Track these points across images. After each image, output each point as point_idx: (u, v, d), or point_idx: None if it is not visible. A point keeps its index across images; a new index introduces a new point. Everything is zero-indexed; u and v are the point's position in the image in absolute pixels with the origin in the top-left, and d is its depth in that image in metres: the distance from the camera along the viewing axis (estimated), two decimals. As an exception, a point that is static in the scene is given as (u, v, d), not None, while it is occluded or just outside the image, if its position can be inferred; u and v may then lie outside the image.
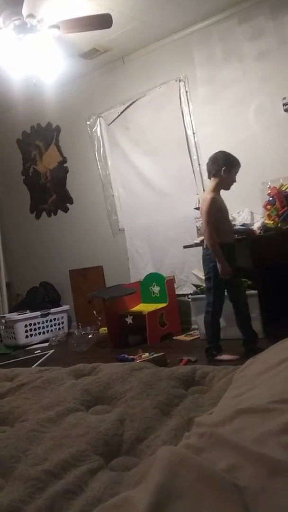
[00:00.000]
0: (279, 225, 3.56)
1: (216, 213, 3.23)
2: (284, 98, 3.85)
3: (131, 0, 3.72)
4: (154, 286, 4.66)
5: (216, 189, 3.30)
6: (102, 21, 3.54)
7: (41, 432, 1.37)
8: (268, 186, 3.75)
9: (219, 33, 4.21)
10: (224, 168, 3.24)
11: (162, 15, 4.04)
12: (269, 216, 3.63)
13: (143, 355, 3.56)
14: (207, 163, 3.38)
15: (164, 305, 4.41)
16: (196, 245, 4.17)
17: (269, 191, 3.70)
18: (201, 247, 4.27)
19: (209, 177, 3.37)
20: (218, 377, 1.64)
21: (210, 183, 3.35)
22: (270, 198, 3.65)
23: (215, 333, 3.36)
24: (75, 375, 1.97)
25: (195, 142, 4.47)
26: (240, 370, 1.48)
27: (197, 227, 4.23)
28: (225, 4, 4.03)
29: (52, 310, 5.38)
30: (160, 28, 4.29)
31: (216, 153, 3.34)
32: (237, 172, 3.33)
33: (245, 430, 0.88)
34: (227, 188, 3.34)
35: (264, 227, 3.65)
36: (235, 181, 3.34)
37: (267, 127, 4.02)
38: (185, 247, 4.26)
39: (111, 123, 5.03)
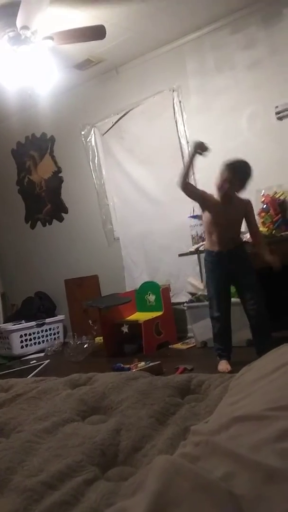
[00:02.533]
0: (273, 232, 3.58)
1: None
2: (276, 107, 3.89)
3: (125, 11, 3.76)
4: (149, 295, 4.66)
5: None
6: (96, 33, 3.57)
7: (37, 443, 1.36)
8: (262, 193, 3.77)
9: (211, 43, 4.25)
10: None
11: (155, 26, 4.08)
12: (263, 223, 3.65)
13: (139, 364, 3.55)
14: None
15: (159, 313, 4.41)
16: (191, 253, 4.18)
17: (263, 199, 3.72)
18: (196, 255, 4.31)
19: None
20: (214, 385, 1.64)
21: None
22: (264, 206, 3.68)
23: (216, 341, 3.35)
24: (70, 385, 1.96)
25: (189, 151, 4.49)
26: (236, 378, 1.48)
27: (192, 235, 4.25)
28: (217, 14, 4.07)
29: (48, 320, 5.36)
30: (153, 38, 4.33)
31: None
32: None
33: (241, 438, 0.88)
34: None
35: (258, 234, 3.67)
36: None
37: (260, 135, 4.06)
38: (180, 255, 4.26)
39: (106, 133, 5.06)
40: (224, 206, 3.23)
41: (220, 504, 0.71)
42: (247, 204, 3.30)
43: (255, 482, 0.73)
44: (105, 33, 3.57)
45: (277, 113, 3.90)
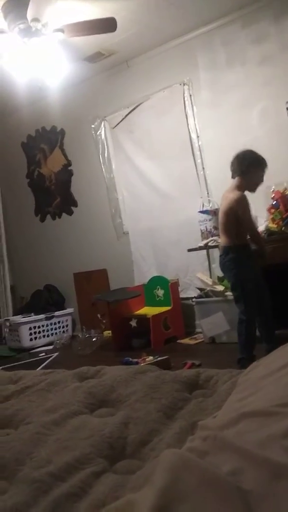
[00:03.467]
0: (283, 228, 3.56)
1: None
2: (287, 102, 3.85)
3: (135, 4, 3.74)
4: (158, 289, 4.66)
5: (242, 189, 3.10)
6: (107, 25, 3.56)
7: (45, 435, 1.37)
8: (272, 189, 3.74)
9: (222, 37, 4.22)
10: (249, 165, 3.05)
11: (166, 19, 4.05)
12: (273, 219, 3.63)
13: (147, 359, 3.56)
14: (233, 162, 3.15)
15: (168, 308, 4.41)
16: (200, 248, 4.17)
17: (273, 195, 3.70)
18: (205, 250, 4.29)
19: (233, 177, 3.15)
20: (222, 380, 1.63)
21: (234, 182, 3.14)
22: (274, 202, 3.65)
23: (250, 344, 3.07)
24: (79, 378, 1.97)
25: (199, 146, 4.47)
26: (244, 374, 1.48)
27: (201, 230, 4.23)
28: (228, 9, 4.04)
29: (56, 313, 5.38)
30: (164, 32, 4.30)
31: (244, 151, 3.13)
32: (263, 174, 3.15)
33: (249, 434, 0.88)
34: (252, 189, 3.15)
35: (268, 230, 3.65)
36: (262, 182, 3.19)
37: (270, 131, 4.02)
38: (189, 250, 4.26)
39: (116, 126, 5.05)
40: None
41: (228, 499, 0.71)
42: None
43: (263, 478, 0.73)
44: (116, 25, 3.55)
45: (288, 108, 3.86)
